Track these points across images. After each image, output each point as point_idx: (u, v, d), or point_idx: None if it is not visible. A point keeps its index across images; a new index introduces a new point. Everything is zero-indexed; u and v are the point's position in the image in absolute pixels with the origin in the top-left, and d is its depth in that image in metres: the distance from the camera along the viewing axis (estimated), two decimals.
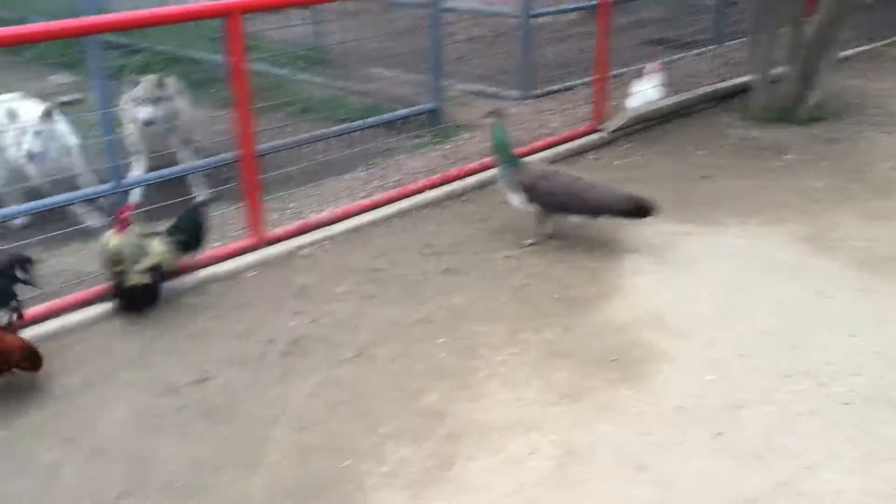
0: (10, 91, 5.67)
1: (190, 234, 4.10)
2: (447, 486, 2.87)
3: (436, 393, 3.37)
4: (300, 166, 5.51)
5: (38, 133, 5.11)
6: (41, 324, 3.78)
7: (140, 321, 3.86)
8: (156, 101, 5.48)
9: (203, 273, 4.27)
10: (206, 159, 5.70)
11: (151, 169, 5.61)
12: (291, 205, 5.16)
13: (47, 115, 5.17)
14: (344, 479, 2.90)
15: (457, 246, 4.67)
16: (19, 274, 3.61)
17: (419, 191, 5.30)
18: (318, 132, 6.34)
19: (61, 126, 5.33)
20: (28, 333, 3.64)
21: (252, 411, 3.26)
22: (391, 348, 3.68)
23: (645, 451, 3.01)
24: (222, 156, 5.48)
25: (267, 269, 4.40)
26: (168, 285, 4.07)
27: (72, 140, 5.38)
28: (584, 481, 2.88)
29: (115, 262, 3.81)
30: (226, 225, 4.80)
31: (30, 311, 3.75)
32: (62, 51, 8.31)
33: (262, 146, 5.37)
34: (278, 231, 4.66)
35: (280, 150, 5.84)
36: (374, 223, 4.92)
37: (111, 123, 5.01)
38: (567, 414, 3.23)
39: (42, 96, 6.70)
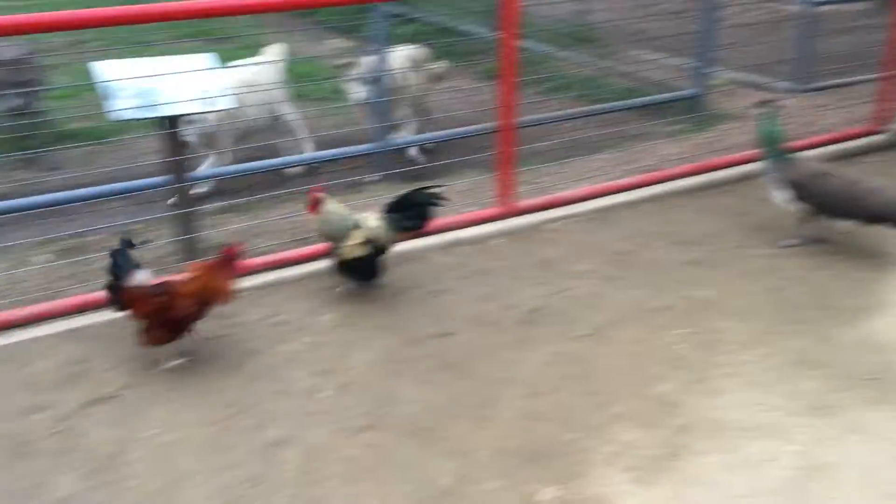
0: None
1: (409, 214, 3.87)
2: (674, 475, 2.80)
3: (671, 382, 3.29)
4: (554, 142, 5.56)
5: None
6: (300, 266, 4.13)
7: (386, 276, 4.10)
8: (376, 79, 5.43)
9: (452, 235, 4.45)
10: (464, 128, 5.90)
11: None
12: (542, 179, 5.23)
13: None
14: (569, 450, 2.92)
15: (709, 238, 4.49)
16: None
17: (674, 177, 5.16)
18: (575, 110, 6.36)
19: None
20: (271, 277, 4.02)
21: (488, 371, 3.37)
22: (629, 331, 3.64)
23: None
24: (479, 126, 5.66)
25: (513, 239, 4.50)
26: (418, 244, 4.29)
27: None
28: (823, 499, 2.69)
29: (322, 238, 3.88)
30: (476, 192, 4.98)
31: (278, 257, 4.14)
32: (342, 16, 8.97)
33: (519, 119, 5.48)
34: (527, 203, 4.74)
35: (536, 125, 5.92)
36: (623, 205, 4.86)
37: (382, 88, 5.34)
38: (813, 427, 3.02)
39: (318, 58, 7.31)
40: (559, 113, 6.28)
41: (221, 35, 8.10)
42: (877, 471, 2.80)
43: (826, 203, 4.15)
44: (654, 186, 5.06)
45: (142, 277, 3.35)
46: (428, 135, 5.80)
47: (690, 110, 6.45)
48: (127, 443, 2.95)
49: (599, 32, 8.03)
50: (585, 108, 6.39)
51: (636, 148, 5.83)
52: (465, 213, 4.63)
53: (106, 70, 3.86)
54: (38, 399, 3.17)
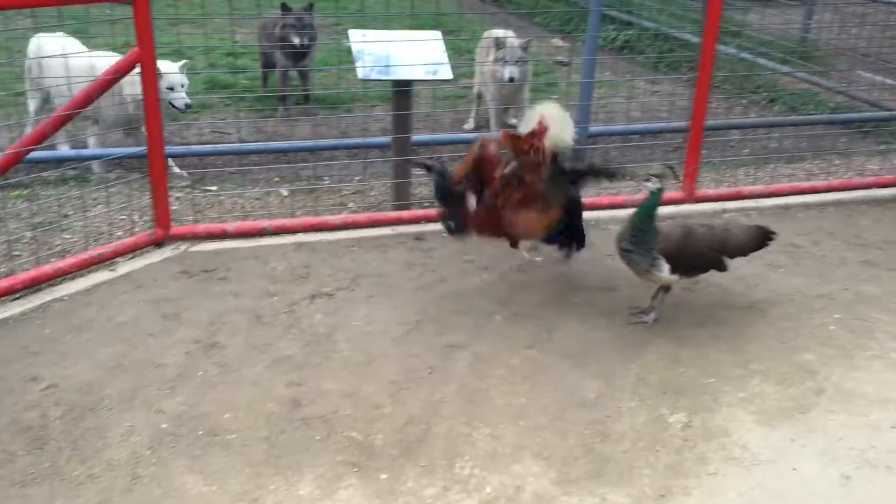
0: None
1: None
2: (796, 424, 3.10)
3: (814, 354, 3.54)
4: (754, 146, 5.80)
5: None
6: None
7: None
8: (519, 61, 5.87)
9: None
10: (662, 124, 6.28)
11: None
12: (731, 178, 5.53)
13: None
14: (703, 390, 3.29)
15: (888, 244, 4.60)
16: None
17: (864, 186, 5.25)
18: (776, 118, 6.54)
19: None
20: None
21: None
22: (784, 309, 3.90)
23: None
24: (676, 124, 6.03)
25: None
26: (597, 215, 4.77)
27: None
28: None
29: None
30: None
31: None
32: (563, 20, 9.58)
33: (714, 122, 5.84)
34: (708, 192, 5.06)
35: (729, 129, 6.20)
36: (806, 205, 5.05)
37: (591, 88, 5.84)
38: None
39: (540, 54, 7.91)
40: (758, 120, 6.49)
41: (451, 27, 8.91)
42: None
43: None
44: (842, 192, 5.20)
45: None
46: (624, 126, 6.22)
47: None
48: (337, 327, 3.66)
49: (817, 48, 8.04)
50: (785, 119, 6.55)
51: (836, 162, 5.93)
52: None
53: (358, 37, 4.66)
54: (274, 288, 3.98)
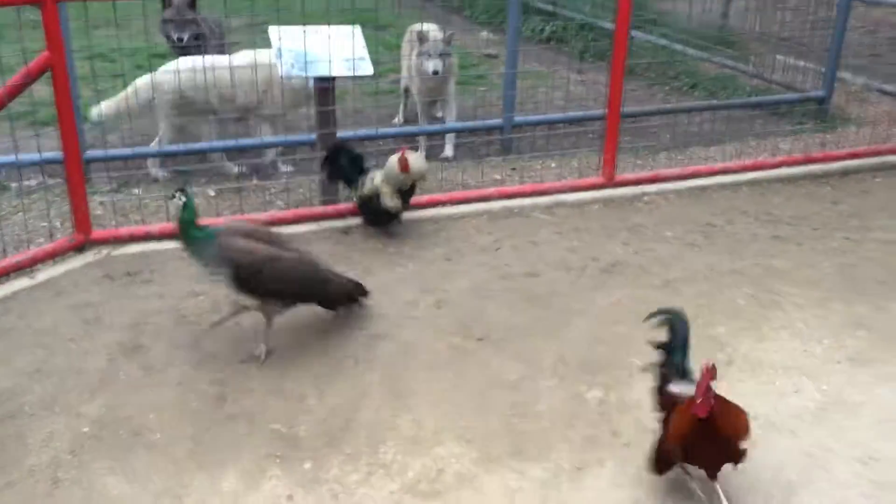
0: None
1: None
2: None
3: (724, 328, 3.69)
4: (670, 132, 5.97)
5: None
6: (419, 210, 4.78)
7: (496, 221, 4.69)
8: (442, 55, 5.87)
9: (555, 198, 4.98)
10: (582, 112, 6.42)
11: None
12: (651, 162, 5.67)
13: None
14: (620, 365, 3.41)
15: (797, 219, 4.80)
16: None
17: (775, 166, 5.45)
18: (691, 104, 6.74)
19: None
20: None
21: (564, 304, 3.89)
22: (697, 287, 4.05)
23: None
24: (594, 112, 6.18)
25: (609, 205, 4.97)
26: (524, 203, 4.87)
27: None
28: (840, 427, 3.05)
29: None
30: (584, 167, 5.48)
31: None
32: (491, 13, 9.71)
33: (633, 108, 5.99)
34: (628, 176, 5.20)
35: (650, 115, 6.37)
36: (720, 186, 5.22)
37: (514, 78, 5.93)
38: (847, 373, 3.36)
39: (469, 47, 7.99)
40: (676, 105, 6.68)
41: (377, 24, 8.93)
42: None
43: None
44: (755, 172, 5.39)
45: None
46: (545, 116, 6.33)
47: (814, 111, 6.65)
48: (262, 323, 3.68)
49: (730, 33, 8.29)
50: (702, 103, 6.76)
51: (753, 143, 6.12)
52: (569, 180, 5.14)
53: (279, 35, 4.66)
54: (199, 288, 3.96)
